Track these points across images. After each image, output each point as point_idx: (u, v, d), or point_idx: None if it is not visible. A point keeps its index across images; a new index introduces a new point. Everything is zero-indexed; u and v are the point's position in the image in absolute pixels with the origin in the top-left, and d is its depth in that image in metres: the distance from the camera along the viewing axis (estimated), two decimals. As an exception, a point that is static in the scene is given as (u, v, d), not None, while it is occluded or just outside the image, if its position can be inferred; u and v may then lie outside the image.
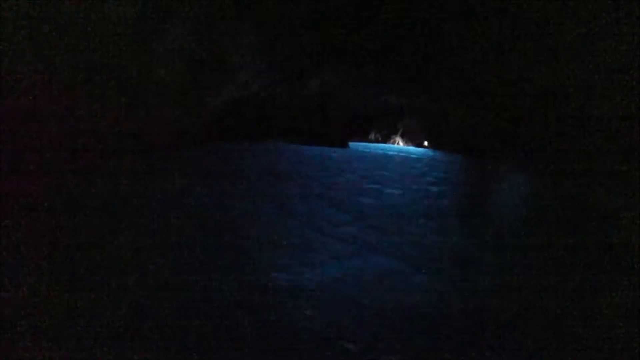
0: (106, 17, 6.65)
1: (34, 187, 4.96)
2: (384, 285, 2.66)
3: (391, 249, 3.44)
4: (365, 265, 3.02)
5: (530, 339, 2.03)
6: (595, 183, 7.18)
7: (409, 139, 20.39)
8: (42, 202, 4.38)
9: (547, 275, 2.95)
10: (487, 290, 2.63)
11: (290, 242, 3.45)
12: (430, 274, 2.91)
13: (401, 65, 13.60)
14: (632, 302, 2.42)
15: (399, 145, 20.56)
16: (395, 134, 20.85)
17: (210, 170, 7.26)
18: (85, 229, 3.55)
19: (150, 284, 2.54)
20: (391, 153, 15.04)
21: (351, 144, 17.36)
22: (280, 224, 4.01)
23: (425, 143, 19.42)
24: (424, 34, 11.02)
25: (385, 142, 20.81)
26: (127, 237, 3.38)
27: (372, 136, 20.73)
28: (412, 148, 19.24)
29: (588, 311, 2.33)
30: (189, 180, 6.00)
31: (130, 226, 3.67)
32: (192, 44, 9.29)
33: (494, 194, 6.83)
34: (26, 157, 6.20)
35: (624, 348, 1.94)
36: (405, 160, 12.27)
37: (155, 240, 3.29)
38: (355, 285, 2.62)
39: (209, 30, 9.39)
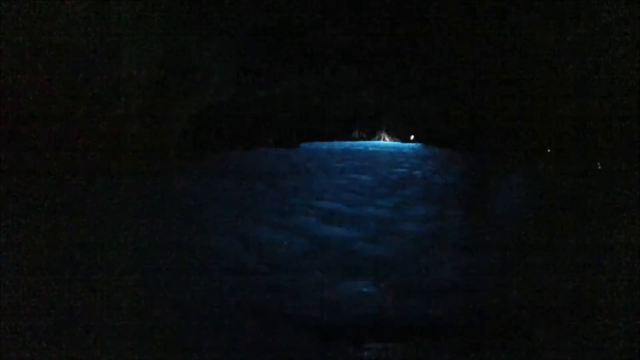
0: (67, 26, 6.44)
1: (34, 187, 4.96)
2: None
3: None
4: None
5: (530, 338, 2.03)
6: (595, 183, 7.18)
7: (395, 134, 20.40)
8: (42, 202, 4.38)
9: (547, 275, 2.95)
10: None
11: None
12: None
13: (382, 63, 13.70)
14: (632, 302, 2.42)
15: (385, 141, 20.53)
16: (380, 130, 20.89)
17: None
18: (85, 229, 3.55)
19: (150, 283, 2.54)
20: (361, 148, 15.39)
21: (327, 143, 17.56)
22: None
23: (412, 138, 19.40)
24: (404, 32, 11.05)
25: (370, 139, 20.75)
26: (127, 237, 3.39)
27: (355, 134, 20.75)
28: (397, 143, 19.17)
29: (588, 311, 2.33)
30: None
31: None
32: (159, 50, 9.04)
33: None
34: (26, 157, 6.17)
35: (624, 348, 1.94)
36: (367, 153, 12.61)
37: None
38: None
39: (176, 35, 9.15)
